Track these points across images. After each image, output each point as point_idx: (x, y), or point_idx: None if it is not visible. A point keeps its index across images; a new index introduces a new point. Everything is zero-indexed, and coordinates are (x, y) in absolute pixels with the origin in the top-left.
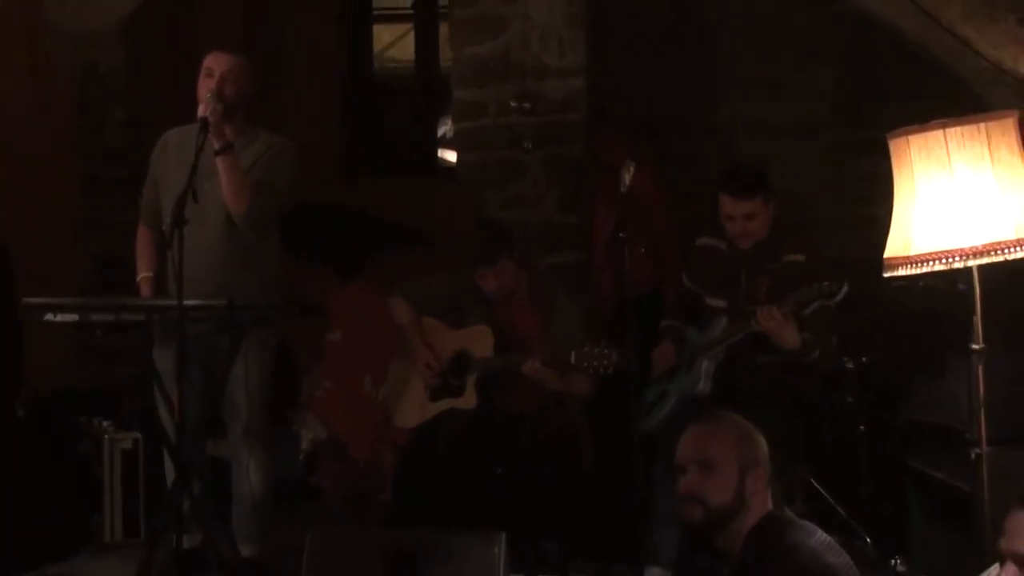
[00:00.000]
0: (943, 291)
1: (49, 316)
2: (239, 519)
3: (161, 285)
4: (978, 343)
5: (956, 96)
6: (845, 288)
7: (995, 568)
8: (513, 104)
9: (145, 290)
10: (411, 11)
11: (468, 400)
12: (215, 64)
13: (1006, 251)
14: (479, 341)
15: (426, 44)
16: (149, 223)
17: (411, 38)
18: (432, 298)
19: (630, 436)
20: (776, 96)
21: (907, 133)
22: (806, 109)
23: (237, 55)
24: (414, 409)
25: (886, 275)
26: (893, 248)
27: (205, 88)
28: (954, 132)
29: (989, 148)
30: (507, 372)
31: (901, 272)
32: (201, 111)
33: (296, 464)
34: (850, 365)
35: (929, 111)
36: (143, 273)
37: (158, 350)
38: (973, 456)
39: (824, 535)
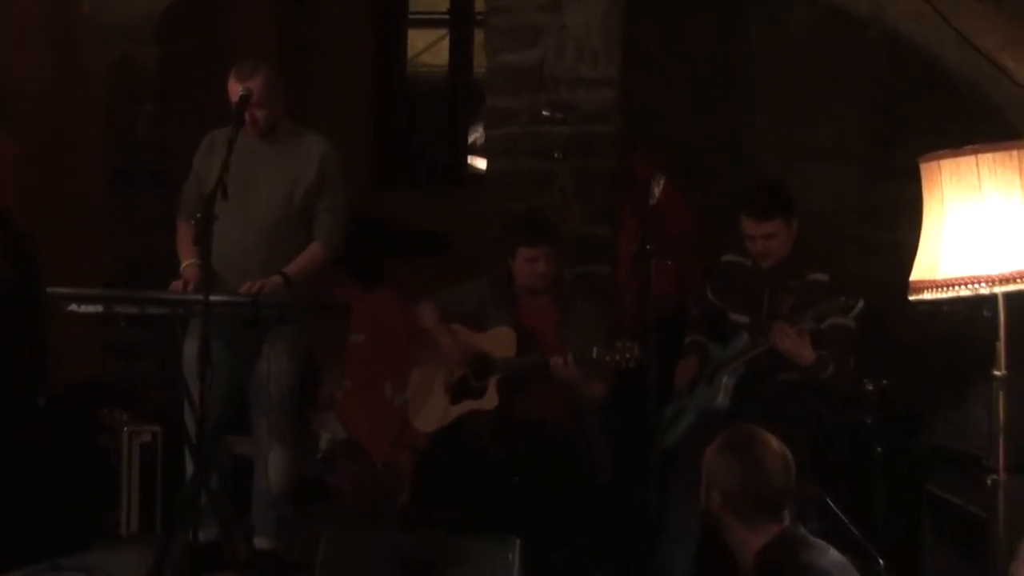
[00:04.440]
0: (967, 316)
1: (73, 306)
2: (258, 512)
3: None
4: (1001, 370)
5: (989, 123)
6: (861, 304)
7: None
8: (545, 113)
9: (190, 275)
10: (447, 16)
11: (489, 400)
12: (235, 92)
13: None
14: (501, 343)
15: (461, 50)
16: (189, 219)
17: (445, 44)
18: (457, 305)
19: (647, 446)
20: (807, 119)
21: (938, 158)
22: (837, 132)
23: (255, 76)
24: (435, 413)
25: (911, 298)
26: (919, 271)
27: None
28: (986, 158)
29: (1021, 175)
30: (528, 373)
31: (926, 296)
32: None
33: (314, 463)
34: (870, 387)
35: (961, 137)
36: (188, 260)
37: (188, 343)
38: (990, 482)
39: (837, 555)
